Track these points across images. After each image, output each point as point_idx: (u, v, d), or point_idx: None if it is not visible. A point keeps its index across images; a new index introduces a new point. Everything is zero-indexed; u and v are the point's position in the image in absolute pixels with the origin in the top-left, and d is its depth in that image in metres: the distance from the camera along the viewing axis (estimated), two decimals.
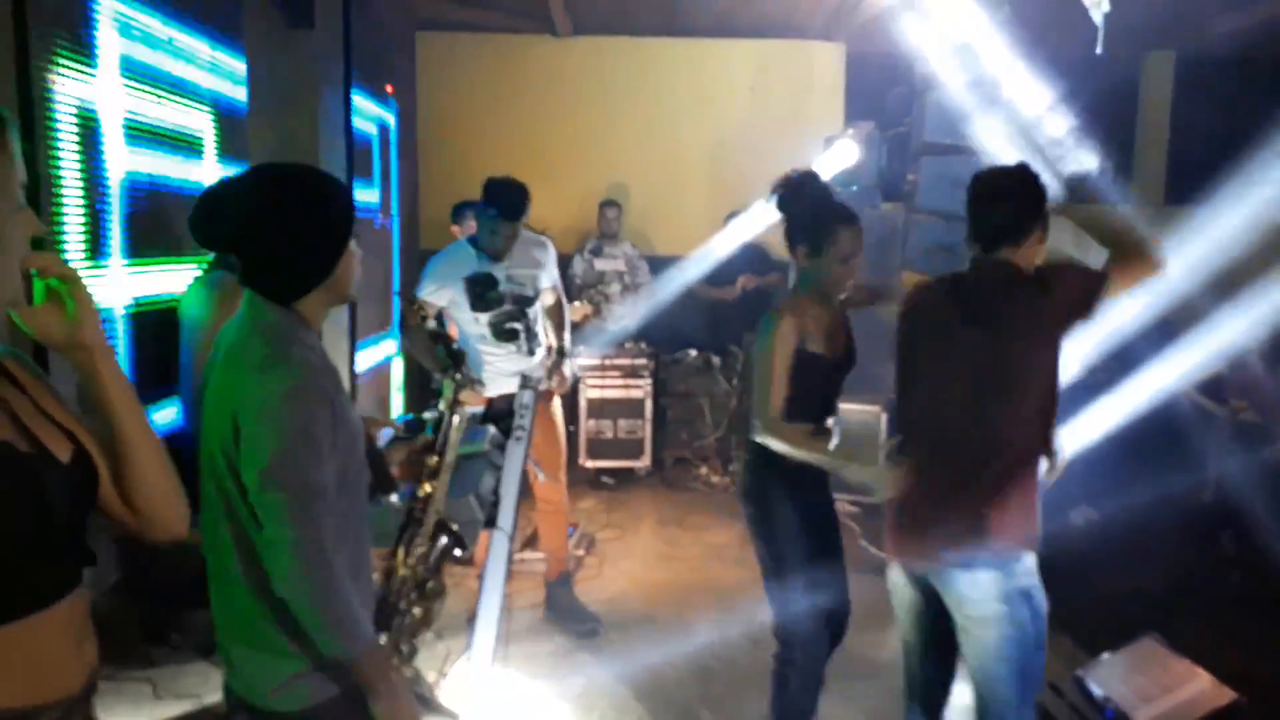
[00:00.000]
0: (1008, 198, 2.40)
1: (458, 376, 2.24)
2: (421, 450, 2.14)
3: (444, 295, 3.75)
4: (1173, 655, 3.28)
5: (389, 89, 6.06)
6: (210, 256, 3.37)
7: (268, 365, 1.61)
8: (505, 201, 3.70)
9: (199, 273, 3.47)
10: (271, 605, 1.62)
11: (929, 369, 2.46)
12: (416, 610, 2.03)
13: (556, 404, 4.05)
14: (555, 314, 4.08)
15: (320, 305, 1.74)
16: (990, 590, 2.31)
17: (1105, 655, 3.39)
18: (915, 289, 2.66)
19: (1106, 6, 3.95)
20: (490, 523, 3.01)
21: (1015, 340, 2.30)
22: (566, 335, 4.15)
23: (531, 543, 4.53)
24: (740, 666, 3.59)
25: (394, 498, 2.08)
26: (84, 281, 1.30)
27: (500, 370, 3.80)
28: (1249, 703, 3.04)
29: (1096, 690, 3.26)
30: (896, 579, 2.58)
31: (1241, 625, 4.25)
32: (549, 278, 3.98)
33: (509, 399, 3.39)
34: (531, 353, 3.85)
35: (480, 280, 3.71)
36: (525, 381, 3.39)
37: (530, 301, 3.84)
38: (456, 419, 2.19)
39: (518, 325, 3.75)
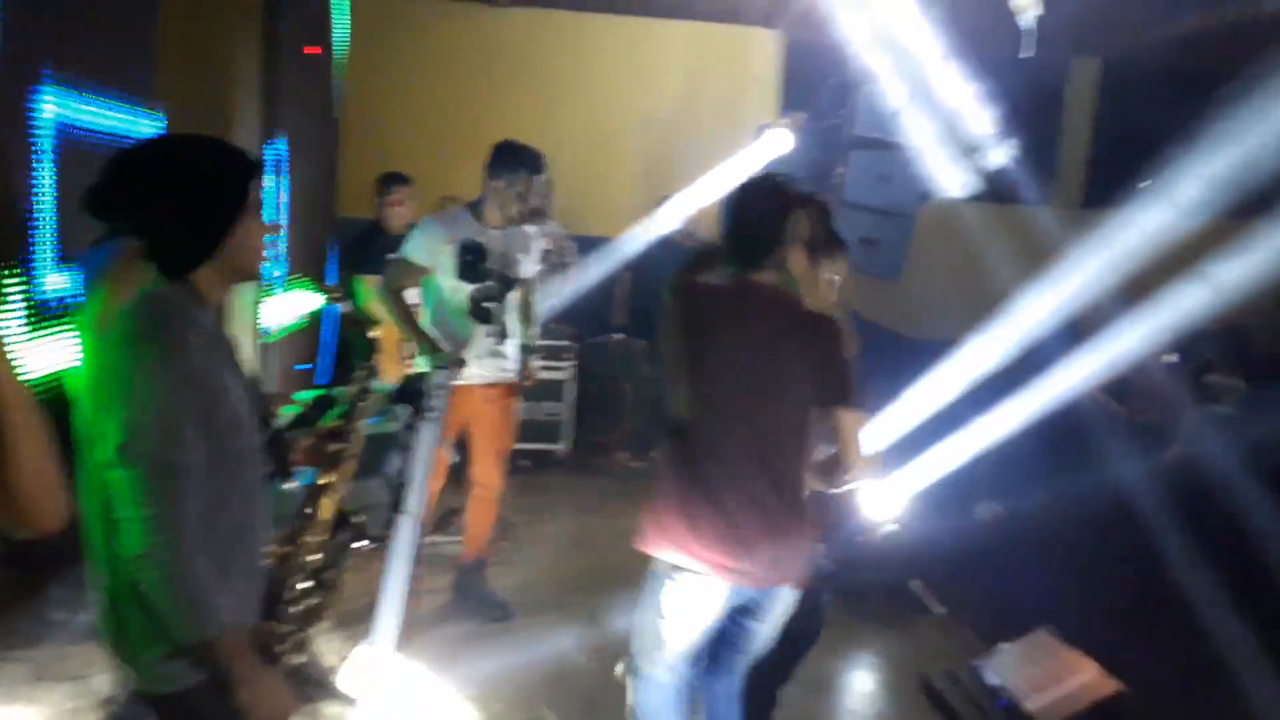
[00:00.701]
0: (753, 211, 2.42)
1: (369, 365, 2.18)
2: (326, 437, 2.09)
3: (433, 257, 3.57)
4: (1064, 647, 3.40)
5: (317, 50, 5.87)
6: None
7: (135, 339, 1.57)
8: (530, 156, 3.61)
9: None
10: (132, 584, 1.60)
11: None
12: (309, 600, 1.98)
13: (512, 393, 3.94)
14: (526, 315, 3.91)
15: (216, 280, 1.68)
16: None
17: (1001, 646, 3.49)
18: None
19: (1036, 11, 4.00)
20: (396, 506, 2.96)
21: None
22: (535, 329, 4.05)
23: (443, 526, 4.46)
24: None
25: (292, 483, 2.02)
26: None
27: (474, 351, 3.66)
28: (1135, 693, 3.16)
29: (991, 679, 3.36)
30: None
31: (1132, 619, 4.41)
32: (532, 268, 3.86)
33: (421, 378, 3.34)
34: (502, 341, 3.71)
35: (472, 248, 3.56)
36: (441, 362, 3.34)
37: (512, 285, 3.71)
38: (364, 407, 2.14)
39: (494, 306, 3.59)
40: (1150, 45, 6.70)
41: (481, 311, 3.58)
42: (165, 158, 1.66)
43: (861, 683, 3.79)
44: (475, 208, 3.67)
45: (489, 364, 3.70)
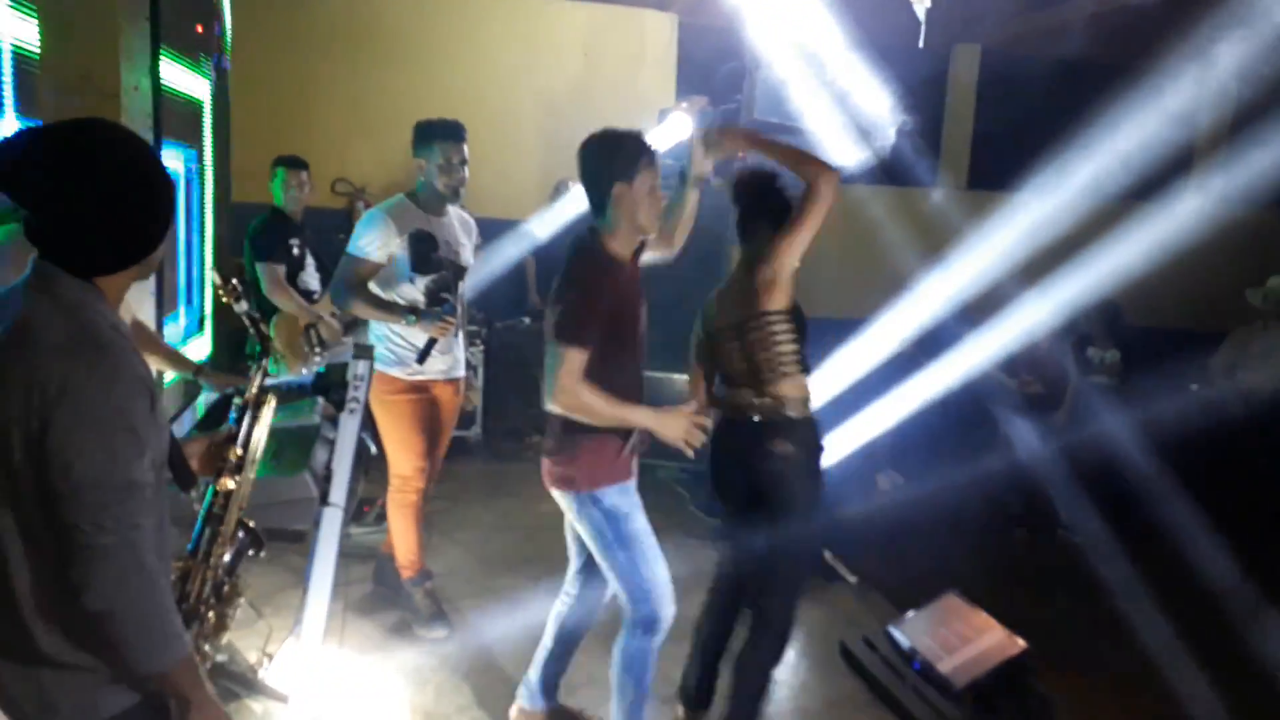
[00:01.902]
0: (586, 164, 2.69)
1: (264, 363, 2.07)
2: (223, 442, 1.96)
3: (385, 251, 3.42)
4: (971, 609, 3.59)
5: (199, 29, 5.60)
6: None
7: (76, 347, 1.41)
8: (449, 126, 3.47)
9: None
10: (59, 615, 1.45)
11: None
12: (212, 615, 1.93)
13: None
14: (463, 311, 3.78)
15: (126, 281, 1.55)
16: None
17: (911, 612, 3.66)
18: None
19: (928, 1, 4.16)
20: (323, 499, 2.90)
21: None
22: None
23: (359, 517, 4.39)
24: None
25: (193, 493, 1.90)
26: None
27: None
28: (1038, 650, 3.37)
29: (905, 643, 3.52)
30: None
31: (1025, 576, 4.70)
32: (469, 255, 3.72)
33: (342, 368, 3.25)
34: (457, 332, 3.61)
35: (424, 239, 3.43)
36: (359, 351, 3.26)
37: (463, 273, 3.60)
38: (264, 410, 2.04)
39: (450, 296, 3.48)
40: (1027, 33, 7.04)
41: (439, 302, 3.46)
42: (112, 149, 1.49)
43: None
44: (414, 196, 3.54)
45: (448, 358, 3.62)
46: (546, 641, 3.03)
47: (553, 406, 2.53)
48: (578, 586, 3.00)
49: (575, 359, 2.47)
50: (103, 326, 1.46)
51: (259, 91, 6.58)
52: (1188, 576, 4.14)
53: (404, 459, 3.62)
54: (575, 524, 2.77)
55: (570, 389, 2.47)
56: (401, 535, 3.71)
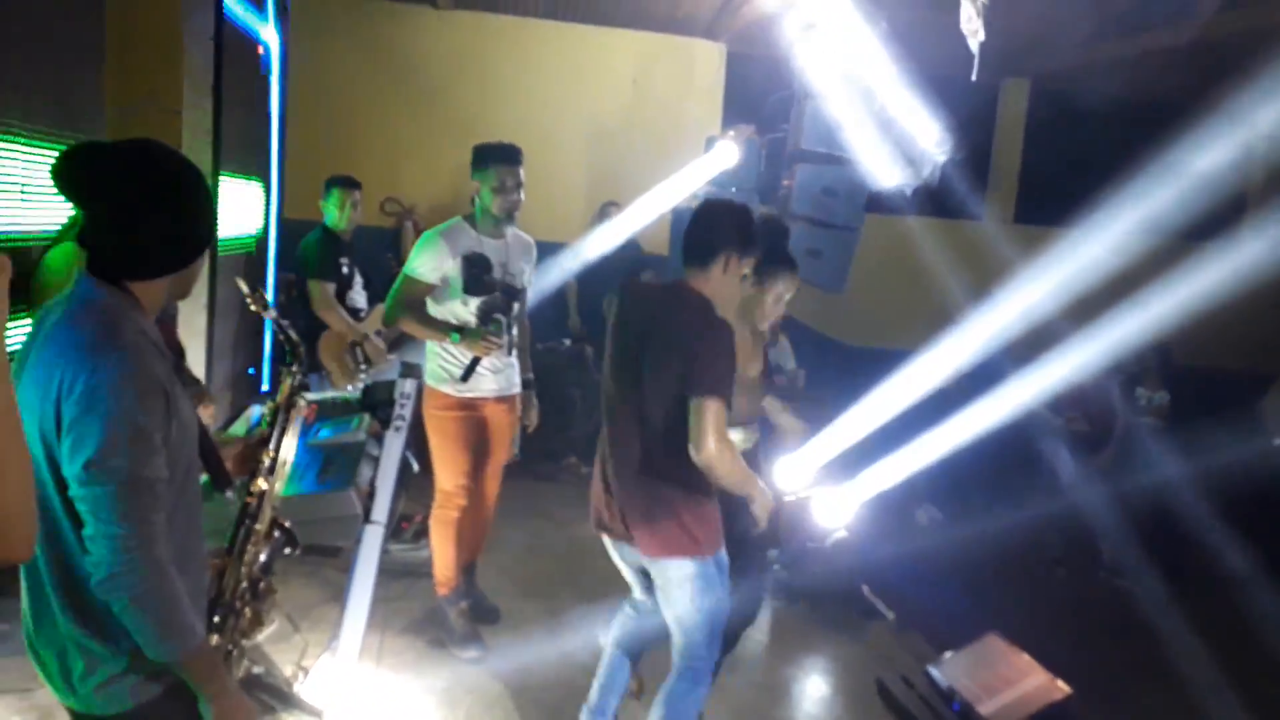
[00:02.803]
0: (701, 224, 2.66)
1: (295, 368, 2.09)
2: (256, 444, 2.04)
3: (439, 273, 3.49)
4: (1013, 651, 3.52)
5: (259, 50, 5.74)
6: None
7: (98, 348, 1.51)
8: (504, 149, 3.54)
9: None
10: (85, 602, 1.55)
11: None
12: (248, 611, 1.96)
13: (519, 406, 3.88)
14: (522, 333, 3.82)
15: (160, 292, 1.66)
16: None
17: (951, 652, 3.60)
18: None
19: (983, 35, 4.15)
20: (366, 516, 2.92)
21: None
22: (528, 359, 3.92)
23: (397, 534, 4.41)
24: None
25: (229, 494, 1.97)
26: None
27: (486, 365, 3.59)
28: (1080, 695, 3.30)
29: (944, 683, 3.46)
30: None
31: (1067, 619, 4.61)
32: (529, 279, 3.78)
33: (389, 386, 3.29)
34: (510, 351, 3.65)
35: (477, 261, 3.49)
36: (406, 370, 3.30)
37: (518, 295, 3.64)
38: (294, 413, 2.07)
39: (502, 316, 3.52)
40: (1076, 69, 6.99)
41: (491, 324, 3.51)
42: (171, 163, 1.62)
43: (817, 687, 3.87)
44: (470, 218, 3.61)
45: (500, 378, 3.65)
46: (611, 659, 2.99)
47: (697, 458, 2.45)
48: (642, 609, 2.96)
49: (720, 412, 2.42)
50: (126, 329, 1.55)
51: (312, 111, 6.72)
52: (1235, 622, 4.04)
53: (447, 475, 3.65)
54: (677, 588, 2.62)
55: (720, 442, 2.41)
56: (440, 551, 3.73)
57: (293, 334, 2.15)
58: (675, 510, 2.58)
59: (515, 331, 3.65)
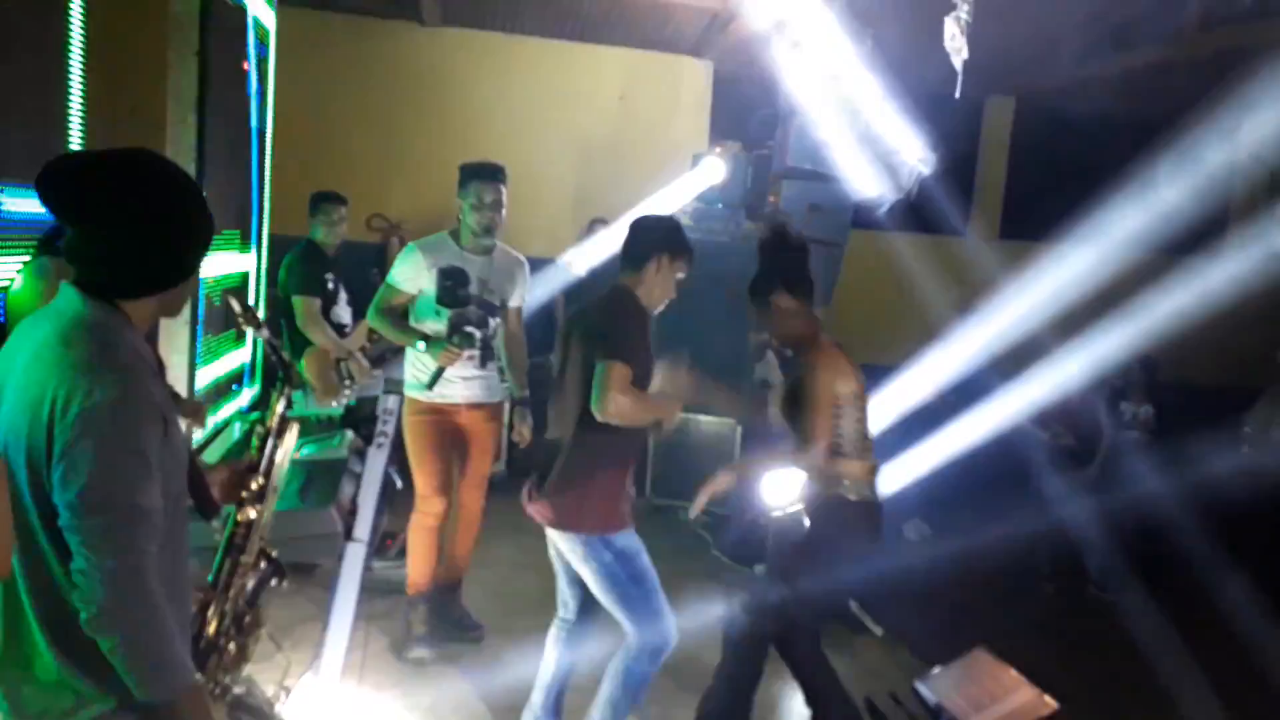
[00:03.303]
0: (636, 234, 2.89)
1: (286, 391, 2.02)
2: (245, 470, 1.94)
3: (416, 284, 3.61)
4: (1001, 666, 3.50)
5: (244, 66, 5.73)
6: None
7: (94, 369, 1.43)
8: (484, 168, 3.66)
9: (25, 259, 3.15)
10: (67, 638, 1.45)
11: None
12: (233, 646, 1.89)
13: (498, 418, 3.98)
14: (515, 349, 3.94)
15: (149, 310, 1.59)
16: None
17: (939, 667, 3.58)
18: None
19: (966, 53, 4.18)
20: (348, 534, 2.90)
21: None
22: (521, 366, 3.99)
23: (380, 550, 4.37)
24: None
25: (214, 523, 1.88)
26: None
27: (447, 374, 3.65)
28: (1068, 710, 3.28)
29: (932, 699, 3.44)
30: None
31: (1054, 634, 4.59)
32: (519, 297, 3.89)
33: (372, 402, 3.28)
34: (484, 365, 3.72)
35: (452, 273, 3.56)
36: (389, 386, 3.29)
37: (495, 311, 3.70)
38: (286, 438, 2.00)
39: (474, 330, 3.58)
40: (1061, 86, 7.05)
41: (462, 335, 3.57)
42: (162, 177, 1.56)
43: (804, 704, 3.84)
44: (454, 233, 3.72)
45: (472, 385, 3.72)
46: (549, 665, 3.08)
47: (603, 416, 2.61)
48: (575, 614, 3.07)
49: (623, 373, 2.61)
50: (122, 349, 1.49)
51: (297, 126, 6.71)
52: (1221, 637, 4.03)
53: (421, 479, 3.74)
54: (580, 565, 2.82)
55: (622, 395, 2.58)
56: (414, 554, 3.80)
57: (285, 355, 2.09)
58: (580, 486, 2.75)
59: (495, 345, 3.74)
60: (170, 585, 1.52)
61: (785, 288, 3.03)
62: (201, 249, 1.63)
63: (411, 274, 3.61)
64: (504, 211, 3.68)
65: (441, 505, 3.74)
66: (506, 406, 4.03)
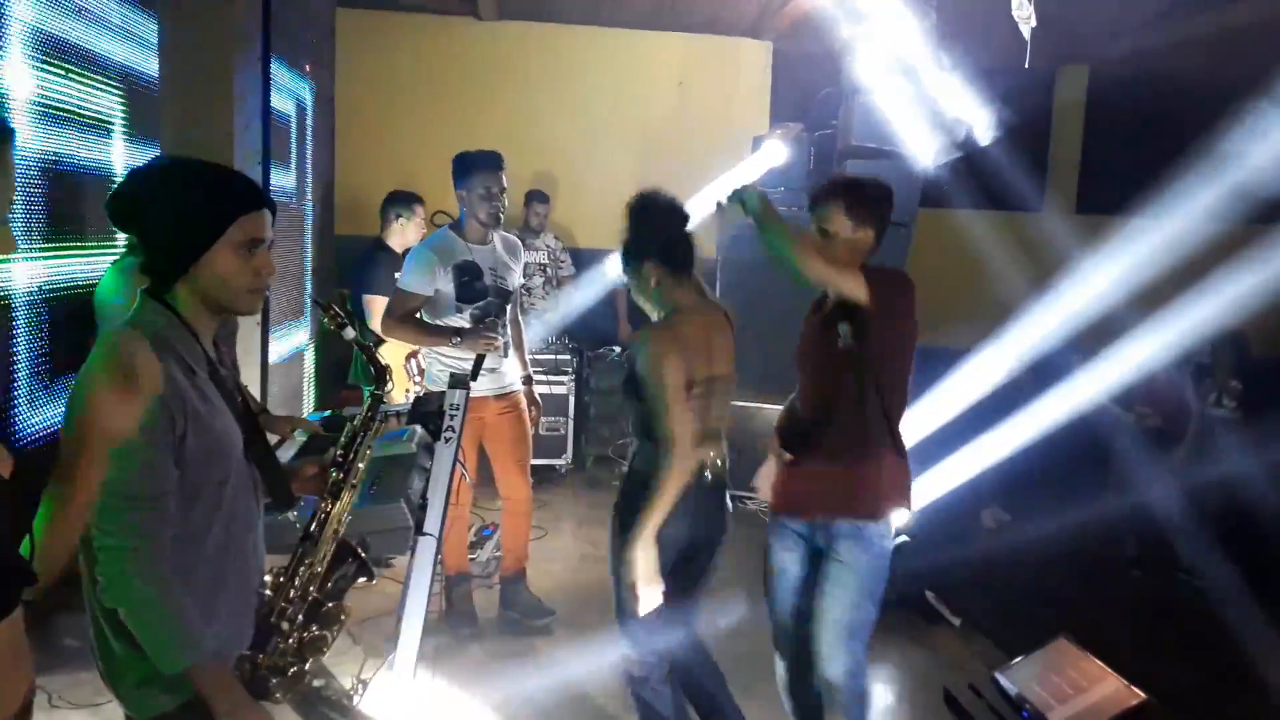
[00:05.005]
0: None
1: (378, 392, 2.07)
2: (328, 465, 2.03)
3: (431, 285, 3.61)
4: (1084, 656, 3.38)
5: (307, 67, 5.82)
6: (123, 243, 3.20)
7: (104, 364, 1.57)
8: (486, 156, 3.67)
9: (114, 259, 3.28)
10: (110, 609, 1.61)
11: None
12: (307, 633, 1.92)
13: (524, 402, 3.97)
14: (516, 331, 3.95)
15: (198, 307, 1.68)
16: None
17: (1020, 657, 3.48)
18: None
19: (1034, 21, 4.02)
20: (419, 528, 2.92)
21: None
22: (526, 354, 4.05)
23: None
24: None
25: (292, 514, 1.97)
26: None
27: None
28: (1149, 695, 3.15)
29: (1013, 690, 3.34)
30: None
31: (1142, 623, 4.43)
32: (518, 277, 3.90)
33: (439, 397, 3.29)
34: (506, 352, 3.76)
35: (468, 269, 3.58)
36: (455, 380, 3.29)
37: (509, 296, 3.73)
38: (369, 436, 2.05)
39: (498, 319, 3.61)
40: (1137, 52, 6.77)
41: (489, 325, 3.58)
42: (161, 176, 1.69)
43: (882, 696, 3.77)
44: (456, 227, 3.73)
45: (495, 376, 3.75)
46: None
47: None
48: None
49: None
50: (148, 345, 1.58)
51: (363, 127, 6.80)
52: None
53: None
54: (855, 560, 2.61)
55: None
56: (447, 541, 3.81)
57: (380, 357, 2.15)
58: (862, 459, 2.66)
59: (509, 332, 3.77)
60: (218, 568, 1.68)
61: (658, 256, 2.79)
62: (199, 231, 1.66)
63: (426, 276, 3.59)
64: (506, 199, 3.71)
65: (468, 496, 3.82)
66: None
